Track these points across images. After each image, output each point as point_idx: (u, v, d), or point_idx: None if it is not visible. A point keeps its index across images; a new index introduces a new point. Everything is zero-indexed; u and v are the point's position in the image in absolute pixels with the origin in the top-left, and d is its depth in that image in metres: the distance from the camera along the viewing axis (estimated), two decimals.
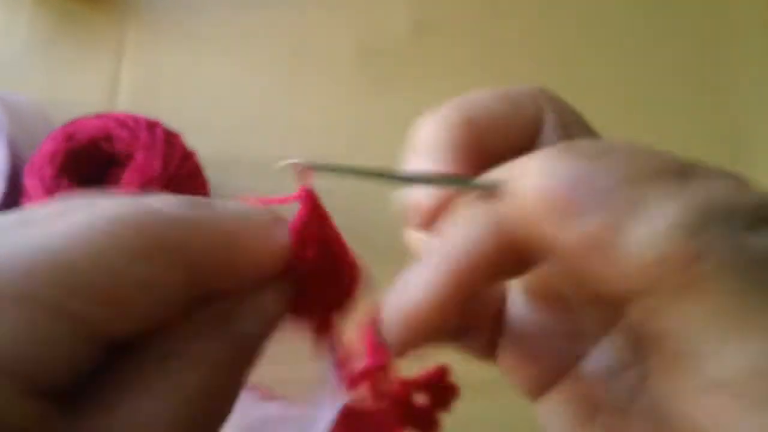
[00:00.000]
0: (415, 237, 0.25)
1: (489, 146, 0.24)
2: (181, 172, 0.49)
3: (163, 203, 0.19)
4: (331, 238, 0.23)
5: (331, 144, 0.61)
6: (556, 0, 0.67)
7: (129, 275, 0.17)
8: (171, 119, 0.52)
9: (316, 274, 0.22)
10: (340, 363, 0.23)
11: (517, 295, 0.26)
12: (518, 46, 0.65)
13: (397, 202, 0.24)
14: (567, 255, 0.19)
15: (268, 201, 0.23)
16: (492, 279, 0.21)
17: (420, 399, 0.25)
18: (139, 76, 0.61)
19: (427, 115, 0.25)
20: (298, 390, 0.24)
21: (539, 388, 0.25)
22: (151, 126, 0.50)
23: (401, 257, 0.23)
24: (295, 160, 0.23)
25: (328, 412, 0.23)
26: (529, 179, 0.19)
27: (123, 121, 0.49)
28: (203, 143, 0.53)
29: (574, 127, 0.24)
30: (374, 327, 0.21)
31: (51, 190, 0.48)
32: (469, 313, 0.25)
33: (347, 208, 0.26)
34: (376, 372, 0.22)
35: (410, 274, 0.21)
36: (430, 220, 0.23)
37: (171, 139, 0.50)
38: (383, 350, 0.21)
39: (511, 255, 0.20)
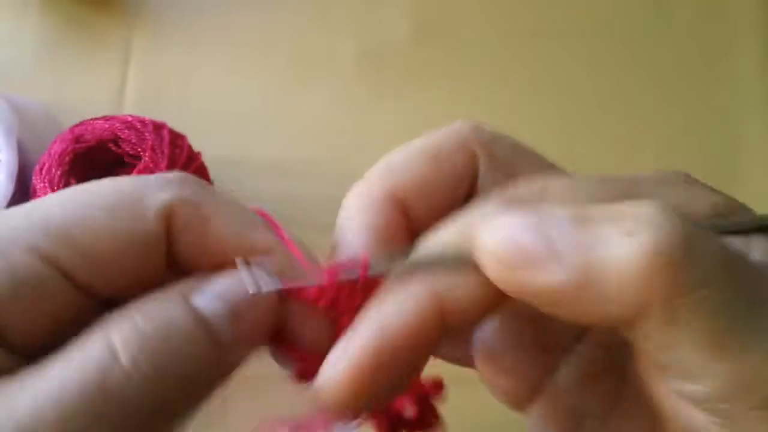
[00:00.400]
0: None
1: (418, 212, 0.23)
2: (186, 172, 0.50)
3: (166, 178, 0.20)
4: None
5: (332, 146, 0.61)
6: (554, 5, 0.67)
7: (107, 228, 0.19)
8: (176, 121, 0.53)
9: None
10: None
11: None
12: (517, 52, 0.65)
13: None
14: (540, 305, 0.19)
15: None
16: (421, 350, 0.20)
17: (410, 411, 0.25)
18: (145, 79, 0.62)
19: (352, 190, 0.24)
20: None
21: (519, 401, 0.25)
22: (158, 128, 0.50)
23: None
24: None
25: None
26: (482, 244, 0.19)
27: (130, 123, 0.50)
28: (208, 145, 0.53)
29: (511, 165, 0.24)
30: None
31: (59, 191, 0.48)
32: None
33: None
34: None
35: (341, 344, 0.20)
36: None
37: (177, 140, 0.50)
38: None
39: (439, 328, 0.20)
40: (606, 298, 0.17)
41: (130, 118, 0.50)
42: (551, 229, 0.18)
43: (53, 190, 0.49)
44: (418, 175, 0.23)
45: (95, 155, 0.50)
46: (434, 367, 0.25)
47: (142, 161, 0.49)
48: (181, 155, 0.49)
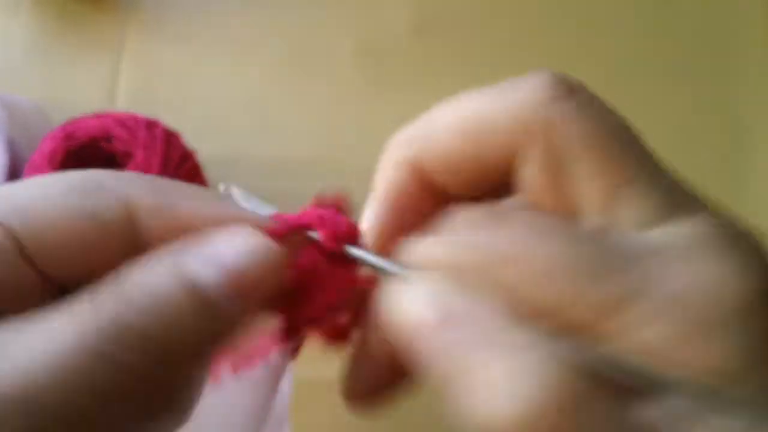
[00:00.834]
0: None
1: (447, 185, 0.22)
2: (180, 171, 0.49)
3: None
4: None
5: (330, 144, 0.61)
6: (556, 2, 0.66)
7: (67, 210, 0.19)
8: (170, 119, 0.52)
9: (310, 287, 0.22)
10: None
11: None
12: (518, 46, 0.65)
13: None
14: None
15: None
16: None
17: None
18: (138, 76, 0.61)
19: (388, 149, 0.24)
20: None
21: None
22: (151, 125, 0.49)
23: None
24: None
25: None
26: (392, 308, 0.19)
27: (122, 121, 0.49)
28: (203, 143, 0.53)
29: (572, 154, 0.20)
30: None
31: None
32: None
33: None
34: None
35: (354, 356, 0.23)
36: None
37: (170, 138, 0.50)
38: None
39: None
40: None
41: (122, 116, 0.50)
42: (463, 328, 0.18)
43: None
44: (447, 154, 0.22)
45: (87, 153, 0.49)
46: None
47: (135, 159, 0.48)
48: (174, 153, 0.48)
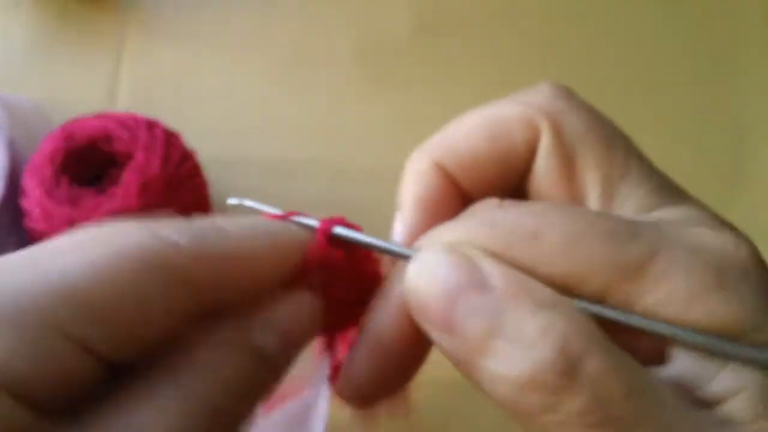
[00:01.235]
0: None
1: (469, 186, 0.23)
2: (180, 172, 0.49)
3: (169, 230, 0.19)
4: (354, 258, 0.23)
5: (330, 144, 0.61)
6: (556, 2, 0.66)
7: (130, 301, 0.17)
8: (170, 119, 0.52)
9: (335, 289, 0.23)
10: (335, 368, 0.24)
11: None
12: (519, 46, 0.65)
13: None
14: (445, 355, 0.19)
15: (283, 217, 0.23)
16: (418, 344, 0.21)
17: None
18: (138, 76, 0.61)
19: (412, 156, 0.25)
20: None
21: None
22: (151, 126, 0.49)
23: None
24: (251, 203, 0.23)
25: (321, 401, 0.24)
26: (410, 280, 0.19)
27: (123, 121, 0.49)
28: (203, 143, 0.53)
29: (577, 145, 0.22)
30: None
31: (50, 189, 0.48)
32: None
33: None
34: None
35: (354, 351, 0.23)
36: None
37: (170, 139, 0.49)
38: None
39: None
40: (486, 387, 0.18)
41: (122, 116, 0.50)
42: (471, 302, 0.18)
43: (44, 190, 0.48)
44: (469, 151, 0.23)
45: (87, 153, 0.49)
46: (435, 368, 0.25)
47: (135, 160, 0.48)
48: (174, 154, 0.48)
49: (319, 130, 0.61)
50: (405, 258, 0.21)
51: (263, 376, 0.20)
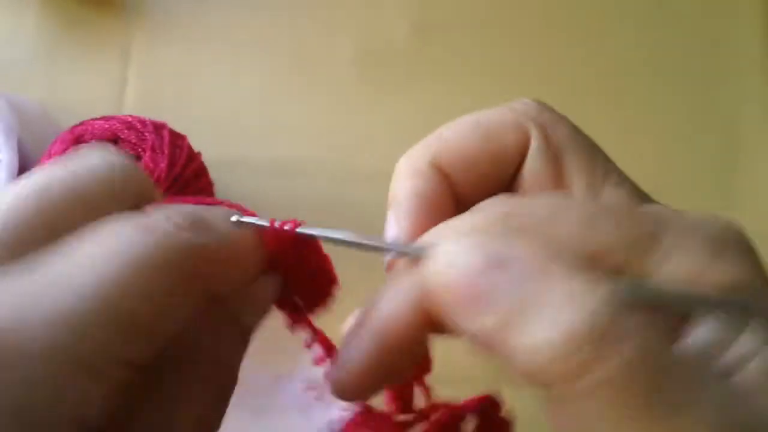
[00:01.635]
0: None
1: (462, 187, 0.24)
2: (186, 173, 0.50)
3: (171, 223, 0.19)
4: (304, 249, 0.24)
5: (332, 145, 0.61)
6: (555, 3, 0.67)
7: (160, 307, 0.18)
8: (176, 121, 0.52)
9: (292, 274, 0.24)
10: (320, 359, 0.25)
11: None
12: (517, 49, 0.65)
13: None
14: (473, 340, 0.19)
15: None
16: (419, 340, 0.22)
17: (469, 426, 0.26)
18: (145, 79, 0.62)
19: (403, 156, 0.25)
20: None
21: None
22: (158, 128, 0.50)
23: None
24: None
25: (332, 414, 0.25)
26: (435, 265, 0.19)
27: (130, 123, 0.50)
28: (208, 145, 0.53)
29: (562, 152, 0.24)
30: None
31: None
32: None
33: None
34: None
35: (348, 341, 0.22)
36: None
37: (177, 140, 0.50)
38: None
39: (432, 321, 0.20)
40: (516, 362, 0.18)
41: (130, 118, 0.50)
42: (503, 276, 0.18)
43: None
44: (464, 150, 0.24)
45: None
46: (438, 366, 0.25)
47: (142, 161, 0.48)
48: (181, 155, 0.49)
49: (322, 132, 0.62)
50: (407, 255, 0.21)
51: (244, 350, 0.23)
